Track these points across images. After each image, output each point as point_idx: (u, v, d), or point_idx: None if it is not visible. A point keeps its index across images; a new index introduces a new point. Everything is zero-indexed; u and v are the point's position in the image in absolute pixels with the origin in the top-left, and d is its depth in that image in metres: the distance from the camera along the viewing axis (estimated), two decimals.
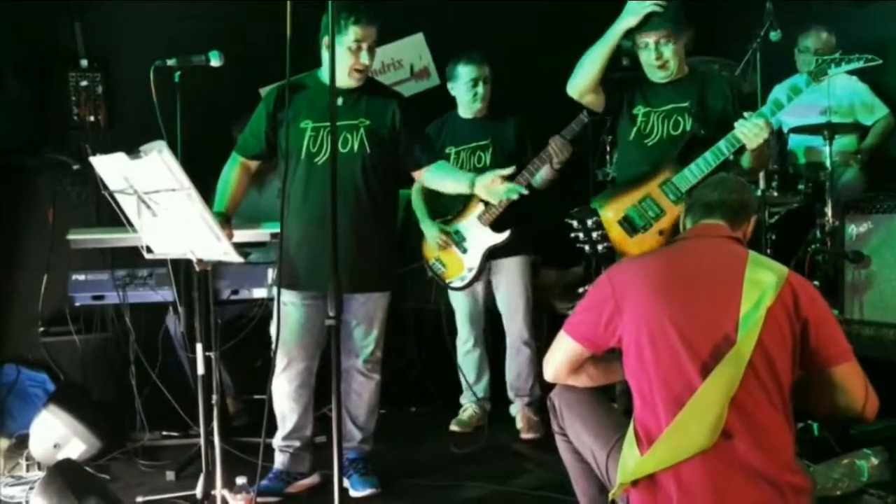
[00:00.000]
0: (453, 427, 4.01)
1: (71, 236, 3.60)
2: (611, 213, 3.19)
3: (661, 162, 3.15)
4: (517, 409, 4.00)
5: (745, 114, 3.03)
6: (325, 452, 2.63)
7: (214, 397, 2.88)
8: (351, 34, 3.00)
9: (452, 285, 3.92)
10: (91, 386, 4.16)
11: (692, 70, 3.33)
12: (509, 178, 2.97)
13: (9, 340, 4.33)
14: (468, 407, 4.09)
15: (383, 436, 3.49)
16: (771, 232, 4.04)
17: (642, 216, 3.15)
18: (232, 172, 3.22)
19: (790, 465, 1.96)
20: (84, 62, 4.38)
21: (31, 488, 3.16)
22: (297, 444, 3.24)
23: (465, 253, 3.83)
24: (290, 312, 3.11)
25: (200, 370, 2.90)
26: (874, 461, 2.94)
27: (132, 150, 2.43)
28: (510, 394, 4.03)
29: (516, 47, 4.87)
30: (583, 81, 3.20)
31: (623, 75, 3.38)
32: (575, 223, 3.25)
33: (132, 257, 3.06)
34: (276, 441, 3.25)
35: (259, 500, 2.94)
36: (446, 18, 4.86)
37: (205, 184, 3.06)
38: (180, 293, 3.54)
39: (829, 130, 3.98)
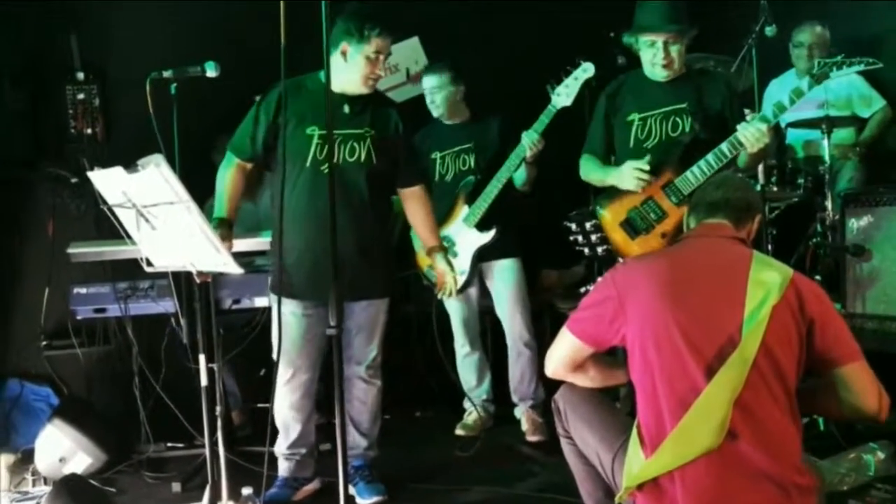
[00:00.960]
0: (458, 431, 4.01)
1: (71, 250, 3.59)
2: (612, 216, 3.18)
3: (663, 164, 3.13)
4: (522, 412, 4.00)
5: (746, 112, 3.01)
6: (331, 460, 2.63)
7: (218, 408, 2.88)
8: (373, 44, 2.99)
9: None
10: (95, 399, 4.16)
11: (688, 68, 3.32)
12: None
13: (12, 355, 4.32)
14: (472, 410, 4.08)
15: (388, 441, 3.48)
16: (772, 227, 4.03)
17: (644, 218, 3.14)
18: (228, 174, 3.14)
19: (796, 466, 1.95)
20: (80, 75, 4.37)
21: (37, 503, 3.16)
22: (302, 451, 3.23)
23: (455, 257, 3.81)
24: (290, 323, 3.08)
25: (204, 381, 2.89)
26: (881, 455, 2.93)
27: (130, 165, 2.42)
28: (514, 397, 4.03)
29: (512, 51, 4.86)
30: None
31: (606, 95, 3.36)
32: (573, 226, 3.23)
33: (133, 269, 3.04)
34: (281, 449, 3.24)
35: None
36: (443, 22, 4.85)
37: (203, 195, 3.07)
38: (182, 304, 3.54)
39: (827, 124, 3.98)
